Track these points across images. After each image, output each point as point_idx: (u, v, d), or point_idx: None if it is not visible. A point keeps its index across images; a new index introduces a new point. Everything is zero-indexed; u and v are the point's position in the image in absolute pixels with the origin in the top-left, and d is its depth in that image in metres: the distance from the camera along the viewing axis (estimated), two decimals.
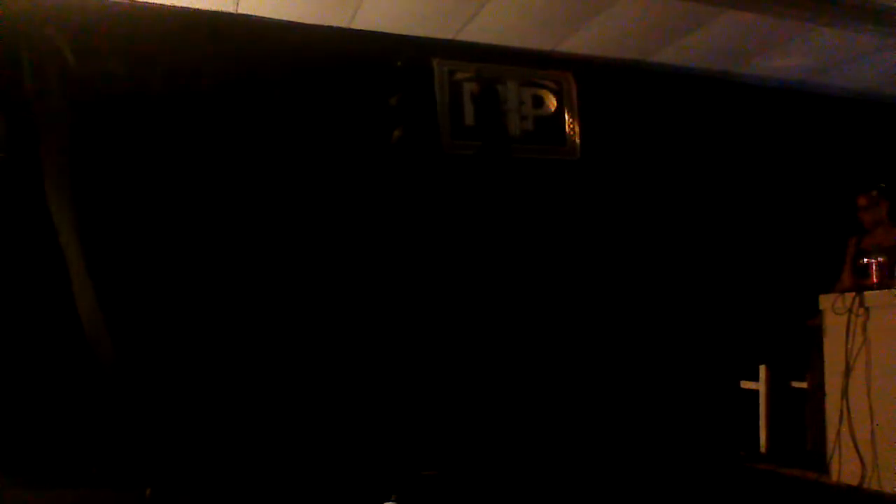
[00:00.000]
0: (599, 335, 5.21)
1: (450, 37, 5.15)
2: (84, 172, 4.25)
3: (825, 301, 4.47)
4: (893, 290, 4.09)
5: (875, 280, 4.30)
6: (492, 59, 5.27)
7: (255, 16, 4.71)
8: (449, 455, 4.45)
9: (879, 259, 4.36)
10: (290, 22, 4.78)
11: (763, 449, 5.03)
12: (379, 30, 4.98)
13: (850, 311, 4.20)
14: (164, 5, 4.49)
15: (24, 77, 4.21)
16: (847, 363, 4.19)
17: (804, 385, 4.87)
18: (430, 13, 4.81)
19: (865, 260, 4.54)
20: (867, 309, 4.17)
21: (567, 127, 5.39)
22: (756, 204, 5.75)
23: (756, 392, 5.16)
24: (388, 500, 3.64)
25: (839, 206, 5.13)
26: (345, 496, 3.77)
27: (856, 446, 4.10)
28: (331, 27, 4.90)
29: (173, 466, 4.02)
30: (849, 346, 4.19)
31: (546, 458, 4.65)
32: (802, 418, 4.83)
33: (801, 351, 4.85)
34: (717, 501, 4.01)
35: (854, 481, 4.09)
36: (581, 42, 5.24)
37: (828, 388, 4.37)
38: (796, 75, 5.80)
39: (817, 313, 4.52)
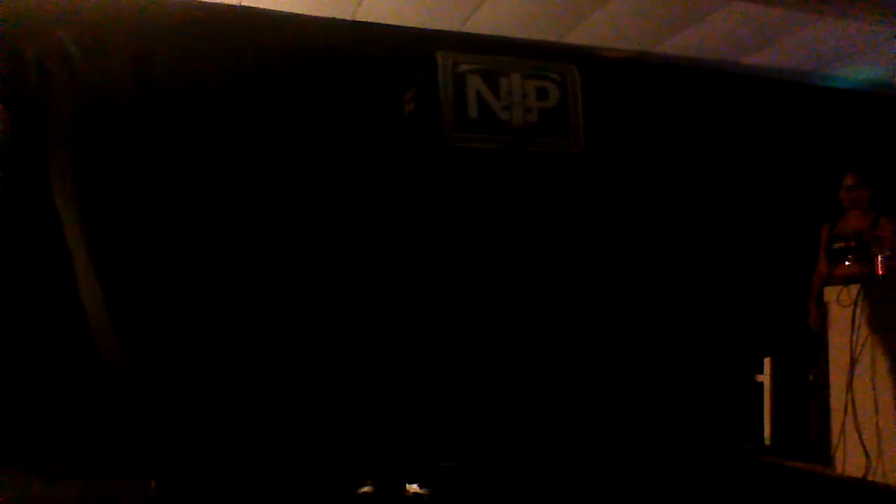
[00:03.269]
0: (606, 330, 5.20)
1: (453, 28, 5.13)
2: (90, 168, 4.26)
3: (830, 293, 4.46)
4: None
5: (881, 272, 4.29)
6: (495, 51, 5.26)
7: (259, 8, 4.70)
8: (465, 447, 4.48)
9: (886, 252, 4.36)
10: (293, 14, 4.77)
11: (767, 441, 5.03)
12: (382, 21, 4.97)
13: (854, 303, 4.19)
14: None
15: (30, 73, 4.22)
16: (852, 355, 4.18)
17: (809, 377, 4.86)
18: (433, 4, 4.80)
19: (835, 245, 4.69)
20: (872, 301, 4.16)
21: (571, 119, 5.37)
22: (763, 196, 5.72)
23: (761, 384, 5.15)
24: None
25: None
26: (353, 489, 3.78)
27: (860, 439, 4.10)
28: (334, 19, 4.89)
29: (178, 459, 4.04)
30: (853, 339, 4.18)
31: (555, 449, 4.67)
32: (807, 411, 4.83)
33: (806, 343, 4.86)
34: (721, 494, 4.01)
35: (858, 473, 4.08)
36: (585, 33, 5.22)
37: (832, 381, 4.36)
38: (800, 67, 5.77)
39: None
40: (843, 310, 4.29)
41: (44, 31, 4.26)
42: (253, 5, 4.68)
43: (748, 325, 5.43)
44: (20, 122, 4.16)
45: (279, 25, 4.75)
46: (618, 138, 5.47)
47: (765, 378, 5.12)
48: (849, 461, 4.18)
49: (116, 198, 4.31)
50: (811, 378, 4.83)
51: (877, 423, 4.04)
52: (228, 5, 4.64)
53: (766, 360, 5.13)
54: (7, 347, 3.98)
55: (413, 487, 3.70)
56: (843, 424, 4.19)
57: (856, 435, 4.12)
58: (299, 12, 4.78)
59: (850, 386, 4.18)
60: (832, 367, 4.38)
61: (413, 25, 5.04)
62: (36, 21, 4.25)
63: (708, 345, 5.40)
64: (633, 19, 5.02)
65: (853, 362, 4.18)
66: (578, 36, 5.26)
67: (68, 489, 3.68)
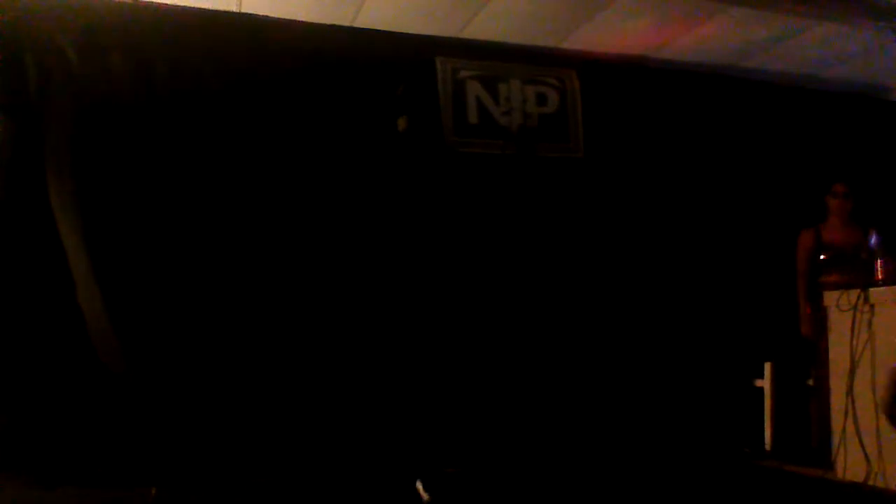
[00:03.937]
0: (606, 335, 5.19)
1: (453, 34, 5.14)
2: (88, 173, 4.26)
3: (829, 298, 4.46)
4: None
5: (880, 276, 4.30)
6: (495, 57, 5.26)
7: (258, 14, 4.71)
8: (468, 452, 4.47)
9: (886, 256, 4.37)
10: (292, 20, 4.78)
11: (768, 446, 5.02)
12: (382, 28, 4.97)
13: (854, 307, 4.19)
14: (167, 4, 4.49)
15: (28, 77, 4.22)
16: (852, 360, 4.18)
17: (809, 382, 4.86)
18: (432, 11, 4.80)
19: (826, 255, 4.86)
20: (872, 306, 4.16)
21: (571, 124, 5.38)
22: (763, 200, 5.72)
23: (761, 389, 5.15)
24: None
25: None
26: (355, 495, 3.78)
27: (861, 443, 4.10)
28: (333, 25, 4.89)
29: (179, 465, 4.03)
30: (853, 343, 4.18)
31: (556, 454, 4.66)
32: (807, 415, 4.83)
33: (806, 348, 4.86)
34: (722, 499, 4.01)
35: (859, 478, 4.08)
36: (585, 39, 5.23)
37: (832, 385, 4.36)
38: (801, 71, 5.78)
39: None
40: (842, 314, 4.29)
41: (42, 36, 4.26)
42: (252, 11, 4.68)
43: (748, 329, 5.42)
44: (19, 126, 4.17)
45: (278, 31, 4.75)
46: (617, 143, 5.47)
47: (765, 383, 5.12)
48: (849, 465, 4.18)
49: (115, 202, 4.31)
50: (811, 382, 4.82)
51: (877, 427, 4.04)
52: (227, 11, 4.65)
53: (767, 365, 5.13)
54: (6, 351, 3.98)
55: None
56: (844, 429, 4.18)
57: (856, 439, 4.12)
58: (298, 19, 4.78)
59: (850, 390, 4.18)
60: (832, 371, 4.38)
61: (412, 32, 5.05)
62: (34, 26, 4.25)
63: (708, 350, 5.39)
64: (633, 25, 5.03)
65: (853, 366, 4.18)
66: (577, 42, 5.27)
67: (68, 496, 3.67)
